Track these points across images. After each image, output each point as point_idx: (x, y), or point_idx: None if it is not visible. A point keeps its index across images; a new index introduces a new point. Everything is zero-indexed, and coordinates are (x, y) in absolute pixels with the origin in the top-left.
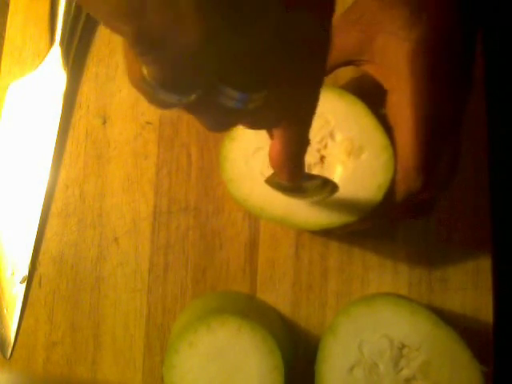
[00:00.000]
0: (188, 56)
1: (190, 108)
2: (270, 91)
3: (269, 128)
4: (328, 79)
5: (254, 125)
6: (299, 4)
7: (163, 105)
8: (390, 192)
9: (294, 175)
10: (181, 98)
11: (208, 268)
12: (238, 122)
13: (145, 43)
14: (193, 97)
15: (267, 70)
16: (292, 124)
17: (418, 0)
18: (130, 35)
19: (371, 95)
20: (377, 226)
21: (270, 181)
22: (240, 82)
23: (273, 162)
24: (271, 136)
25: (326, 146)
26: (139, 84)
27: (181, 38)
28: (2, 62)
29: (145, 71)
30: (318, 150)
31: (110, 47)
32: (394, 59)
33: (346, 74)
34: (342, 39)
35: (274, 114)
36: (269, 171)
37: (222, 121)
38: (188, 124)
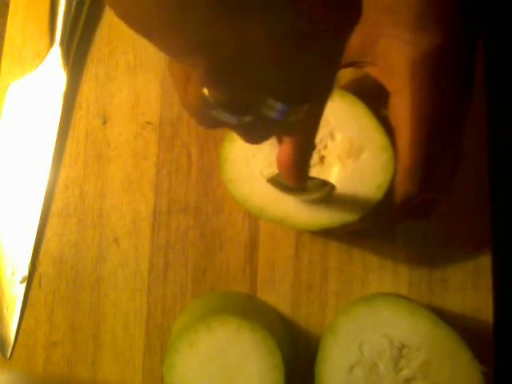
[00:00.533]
0: (256, 79)
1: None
2: (310, 105)
3: (290, 135)
4: None
5: (285, 133)
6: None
7: (214, 125)
8: (390, 192)
9: (301, 178)
10: (240, 119)
11: (208, 268)
12: (275, 132)
13: (218, 73)
14: (249, 117)
15: (311, 85)
16: (305, 131)
17: (422, 5)
18: (202, 67)
19: (372, 96)
20: (377, 225)
21: (272, 181)
22: (286, 96)
23: (281, 166)
24: (279, 141)
25: (325, 146)
26: (193, 106)
27: (252, 64)
28: (2, 62)
29: (206, 94)
30: (318, 151)
31: (109, 47)
32: (397, 62)
33: (347, 74)
34: None
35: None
36: (269, 172)
37: (261, 132)
38: (188, 124)
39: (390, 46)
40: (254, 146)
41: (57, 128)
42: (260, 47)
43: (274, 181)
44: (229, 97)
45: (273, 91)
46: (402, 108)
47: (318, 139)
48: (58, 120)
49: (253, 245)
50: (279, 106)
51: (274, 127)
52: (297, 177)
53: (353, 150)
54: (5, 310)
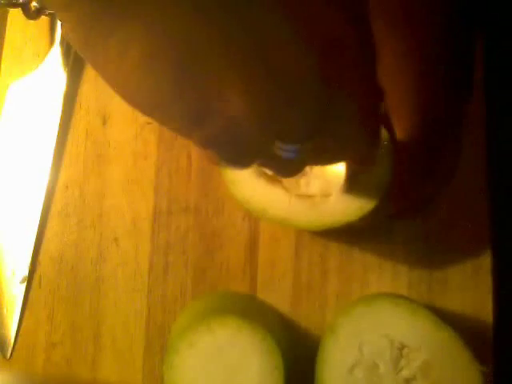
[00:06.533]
0: (247, 141)
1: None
2: (317, 139)
3: (334, 163)
4: None
5: (320, 163)
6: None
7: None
8: (389, 190)
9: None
10: (248, 166)
11: (208, 268)
12: (301, 166)
13: (212, 144)
14: (256, 162)
15: (313, 127)
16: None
17: None
18: (197, 141)
19: None
20: (376, 225)
21: None
22: (288, 138)
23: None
24: None
25: None
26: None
27: (240, 129)
28: (2, 62)
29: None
30: None
31: None
32: (388, 60)
33: None
34: None
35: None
36: (269, 172)
37: (287, 168)
38: None
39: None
40: None
41: (57, 128)
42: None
43: None
44: (227, 157)
45: (277, 136)
46: (399, 107)
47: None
48: (58, 120)
49: (253, 245)
50: (288, 146)
51: (293, 163)
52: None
53: None
54: (5, 310)
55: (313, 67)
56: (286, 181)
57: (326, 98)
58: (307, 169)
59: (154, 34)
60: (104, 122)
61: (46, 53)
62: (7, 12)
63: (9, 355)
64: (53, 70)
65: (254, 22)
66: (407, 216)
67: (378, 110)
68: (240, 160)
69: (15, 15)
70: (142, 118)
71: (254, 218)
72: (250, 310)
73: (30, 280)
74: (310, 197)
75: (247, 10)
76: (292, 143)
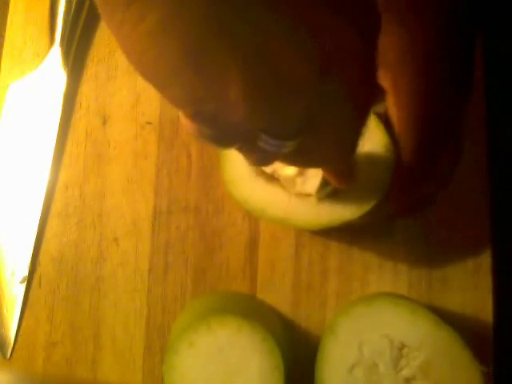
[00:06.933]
0: (235, 127)
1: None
2: (302, 140)
3: (308, 167)
4: None
5: (294, 164)
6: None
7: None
8: (389, 189)
9: (350, 180)
10: (226, 148)
11: (208, 268)
12: (275, 160)
13: (199, 119)
14: (235, 146)
15: (302, 124)
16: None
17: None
18: (187, 114)
19: None
20: (376, 223)
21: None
22: (275, 133)
23: (330, 179)
24: None
25: None
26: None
27: (230, 117)
28: (2, 62)
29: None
30: None
31: (109, 47)
32: (388, 58)
33: None
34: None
35: (308, 158)
36: (269, 171)
37: (261, 159)
38: None
39: (382, 43)
40: None
41: (57, 128)
42: (238, 105)
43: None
44: (211, 135)
45: (264, 129)
46: (397, 106)
47: None
48: (58, 120)
49: (253, 245)
50: (273, 141)
51: (270, 155)
52: (345, 182)
53: None
54: (5, 310)
55: (314, 71)
56: (283, 179)
57: (319, 98)
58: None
59: (173, 6)
60: (104, 122)
61: (46, 53)
62: (7, 12)
63: (9, 355)
64: (53, 69)
65: (260, 24)
66: (407, 215)
67: (370, 110)
68: (221, 141)
69: (15, 15)
70: (142, 118)
71: (254, 218)
72: (250, 310)
73: (30, 280)
74: (308, 196)
75: (252, 11)
76: (278, 139)
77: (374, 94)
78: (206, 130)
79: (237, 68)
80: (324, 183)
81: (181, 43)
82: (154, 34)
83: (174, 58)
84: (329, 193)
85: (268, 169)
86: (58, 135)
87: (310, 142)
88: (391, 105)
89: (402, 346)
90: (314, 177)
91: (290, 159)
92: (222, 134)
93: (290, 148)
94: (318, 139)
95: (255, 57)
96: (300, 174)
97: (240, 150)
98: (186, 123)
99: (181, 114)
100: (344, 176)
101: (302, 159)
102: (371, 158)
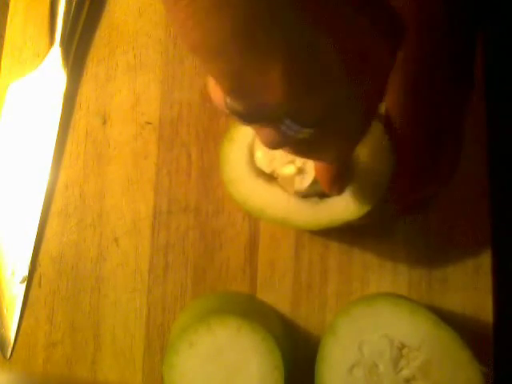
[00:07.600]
0: (266, 108)
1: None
2: (316, 131)
3: (316, 160)
4: None
5: (297, 152)
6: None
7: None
8: (389, 188)
9: (340, 189)
10: (249, 124)
11: (208, 268)
12: (287, 145)
13: (236, 95)
14: (257, 125)
15: (323, 114)
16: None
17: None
18: (224, 88)
19: None
20: (376, 224)
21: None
22: (299, 119)
23: (322, 182)
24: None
25: None
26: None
27: (265, 98)
28: (2, 62)
29: (228, 101)
30: None
31: (109, 47)
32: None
33: None
34: None
35: (320, 150)
36: (268, 171)
37: (277, 141)
38: (188, 124)
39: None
40: (254, 147)
41: (57, 128)
42: (277, 85)
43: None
44: (241, 110)
45: (290, 114)
46: (397, 107)
47: None
48: (58, 120)
49: (253, 245)
50: (294, 125)
51: (285, 137)
52: (337, 189)
53: None
54: (5, 310)
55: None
56: (282, 179)
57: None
58: (302, 166)
59: None
60: (104, 122)
61: (46, 53)
62: (7, 12)
63: (9, 355)
64: (53, 69)
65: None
66: (408, 215)
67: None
68: (247, 118)
69: (15, 15)
70: (142, 118)
71: (254, 218)
72: (250, 310)
73: (30, 280)
74: (303, 194)
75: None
76: (299, 124)
77: (383, 95)
78: (237, 106)
79: (281, 55)
80: (315, 181)
81: (234, 22)
82: (208, 11)
83: (223, 35)
84: (317, 191)
85: (267, 169)
86: (57, 135)
87: (319, 133)
88: (391, 105)
89: (402, 346)
90: (310, 175)
91: (297, 146)
92: (251, 112)
93: (306, 135)
94: (327, 131)
95: (300, 50)
96: (299, 173)
97: (258, 128)
98: (215, 94)
99: (211, 85)
100: (335, 183)
101: (306, 148)
102: (371, 158)
